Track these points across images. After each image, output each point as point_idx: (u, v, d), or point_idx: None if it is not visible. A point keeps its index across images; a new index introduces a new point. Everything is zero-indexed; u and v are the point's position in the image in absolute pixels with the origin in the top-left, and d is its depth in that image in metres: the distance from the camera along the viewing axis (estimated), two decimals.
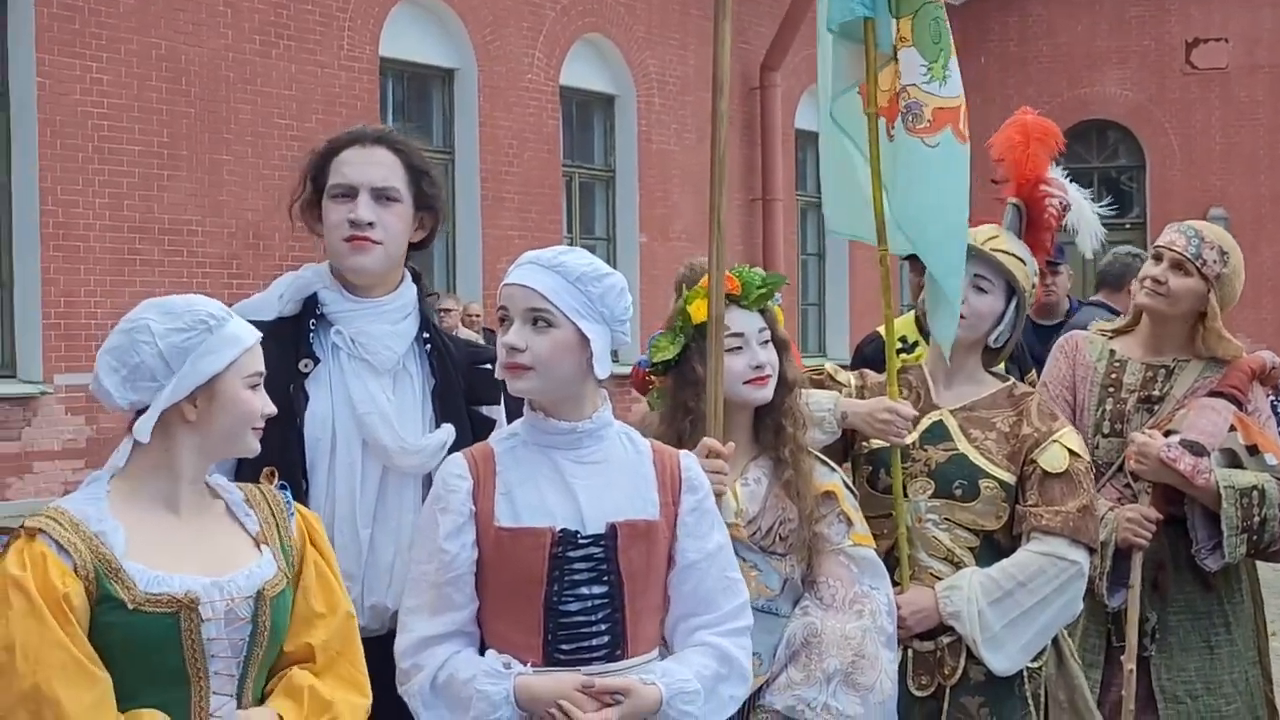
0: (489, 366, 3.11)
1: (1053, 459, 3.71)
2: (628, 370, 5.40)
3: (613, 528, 2.81)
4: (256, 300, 3.06)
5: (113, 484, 2.56)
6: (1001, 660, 3.64)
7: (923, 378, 3.90)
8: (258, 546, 2.62)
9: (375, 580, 3.00)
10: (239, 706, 2.56)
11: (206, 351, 2.54)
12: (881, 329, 5.26)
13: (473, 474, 2.84)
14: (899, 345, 4.33)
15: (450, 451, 3.00)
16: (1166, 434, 4.14)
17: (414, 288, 3.20)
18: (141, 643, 2.45)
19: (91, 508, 2.51)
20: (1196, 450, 4.08)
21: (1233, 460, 4.14)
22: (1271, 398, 4.38)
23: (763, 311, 3.44)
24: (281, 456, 2.82)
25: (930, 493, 3.73)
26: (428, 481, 3.02)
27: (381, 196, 3.07)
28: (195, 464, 2.59)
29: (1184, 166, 20.54)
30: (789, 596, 3.39)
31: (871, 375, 3.91)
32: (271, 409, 2.61)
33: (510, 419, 3.10)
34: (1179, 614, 4.23)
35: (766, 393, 3.40)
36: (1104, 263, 6.87)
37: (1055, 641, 3.82)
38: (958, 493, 3.71)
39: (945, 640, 3.68)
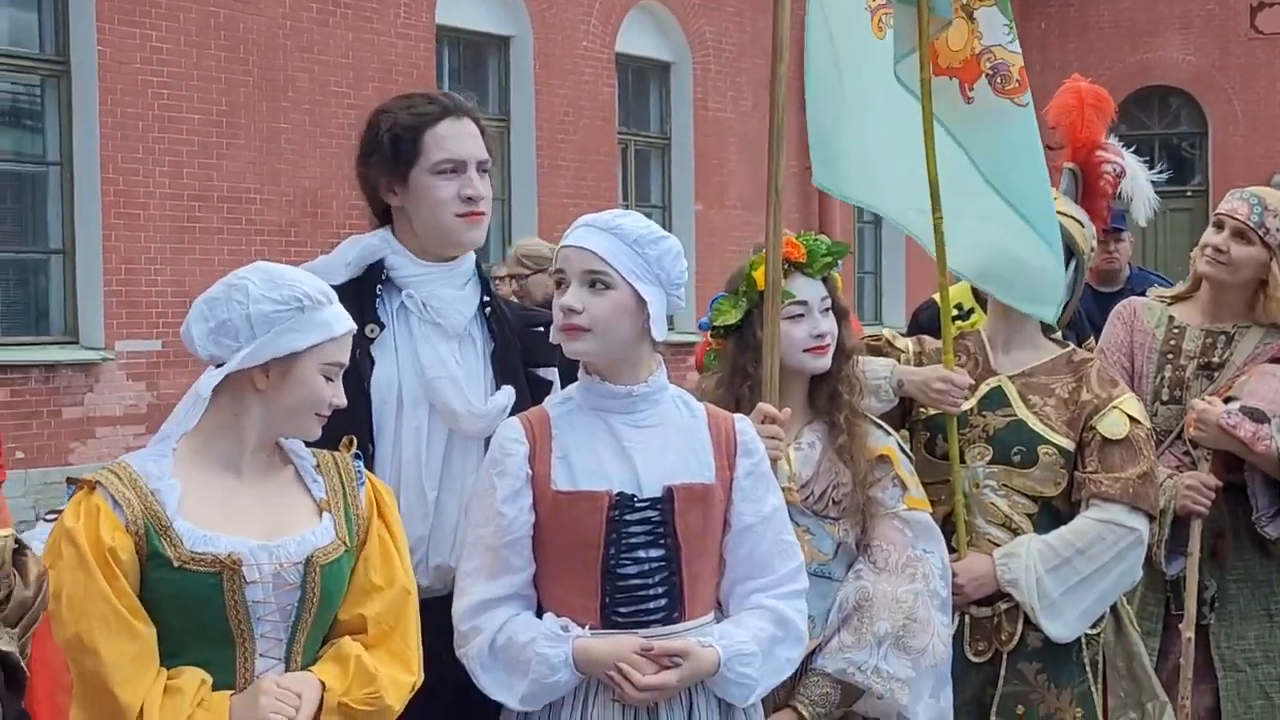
0: (543, 329, 3.14)
1: (1113, 425, 3.69)
2: (682, 338, 5.41)
3: (669, 491, 2.82)
4: (322, 263, 3.07)
5: (181, 442, 2.61)
6: (1059, 627, 3.63)
7: (981, 343, 3.89)
8: (319, 513, 2.63)
9: (440, 542, 3.02)
10: (287, 671, 2.58)
11: (292, 328, 2.57)
12: (937, 296, 5.25)
13: (529, 438, 2.85)
14: (954, 313, 4.31)
15: (510, 414, 3.02)
16: (1226, 400, 4.11)
17: (473, 254, 3.22)
18: (187, 601, 2.50)
19: (154, 465, 2.56)
20: (1256, 417, 4.04)
21: None
22: None
23: (825, 279, 3.43)
24: (349, 421, 2.84)
25: (988, 459, 3.71)
26: (489, 445, 3.03)
27: (482, 169, 3.11)
28: (258, 433, 2.61)
29: (1247, 133, 20.24)
30: (843, 561, 3.39)
31: (930, 341, 3.90)
32: (342, 401, 2.64)
33: (565, 382, 3.12)
34: (1238, 582, 4.20)
35: (825, 361, 3.40)
36: None
37: (1114, 608, 3.81)
38: (1016, 459, 3.70)
39: (1003, 606, 3.68)
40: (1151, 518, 3.72)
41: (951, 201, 3.70)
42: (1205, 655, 4.16)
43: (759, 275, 3.39)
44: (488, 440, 3.03)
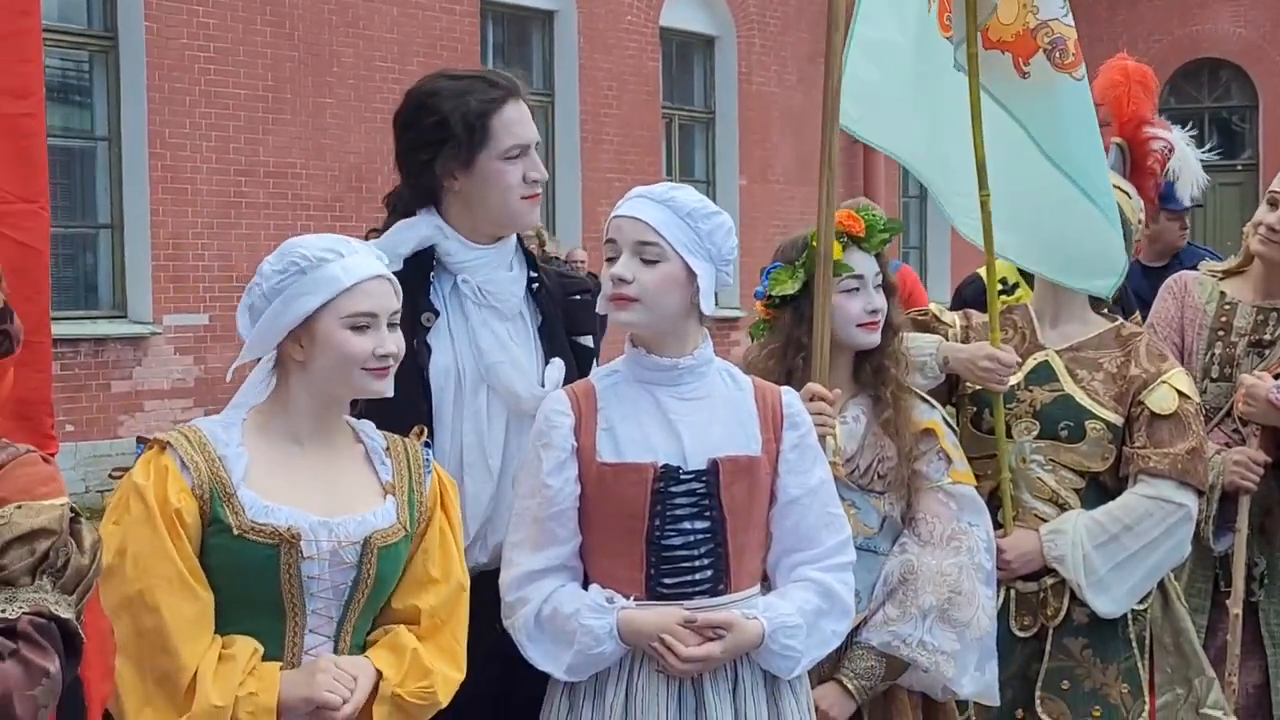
0: (583, 296, 3.14)
1: (1161, 400, 3.66)
2: (726, 313, 5.41)
3: (714, 463, 2.82)
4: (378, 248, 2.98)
5: (250, 414, 2.63)
6: (1107, 603, 3.62)
7: (1028, 318, 3.87)
8: (384, 495, 2.63)
9: (499, 519, 3.00)
10: (335, 650, 2.59)
11: (299, 292, 2.57)
12: (980, 271, 5.22)
13: (574, 410, 2.86)
14: (999, 288, 4.29)
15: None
16: (1277, 377, 4.08)
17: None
18: (242, 569, 2.51)
19: (223, 431, 2.58)
20: None
21: None
22: None
23: (878, 255, 3.43)
24: (408, 410, 2.83)
25: (1035, 434, 3.70)
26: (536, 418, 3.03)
27: (537, 149, 3.10)
28: (308, 403, 2.61)
29: None
30: (888, 534, 3.39)
31: (976, 315, 3.88)
32: (389, 348, 2.60)
33: (596, 344, 3.13)
34: None
35: (875, 337, 3.40)
36: None
37: (1161, 584, 3.79)
38: (1063, 434, 3.68)
39: (1049, 581, 3.67)
40: (1200, 493, 3.70)
41: (1008, 179, 3.67)
42: (1254, 632, 4.13)
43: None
44: None
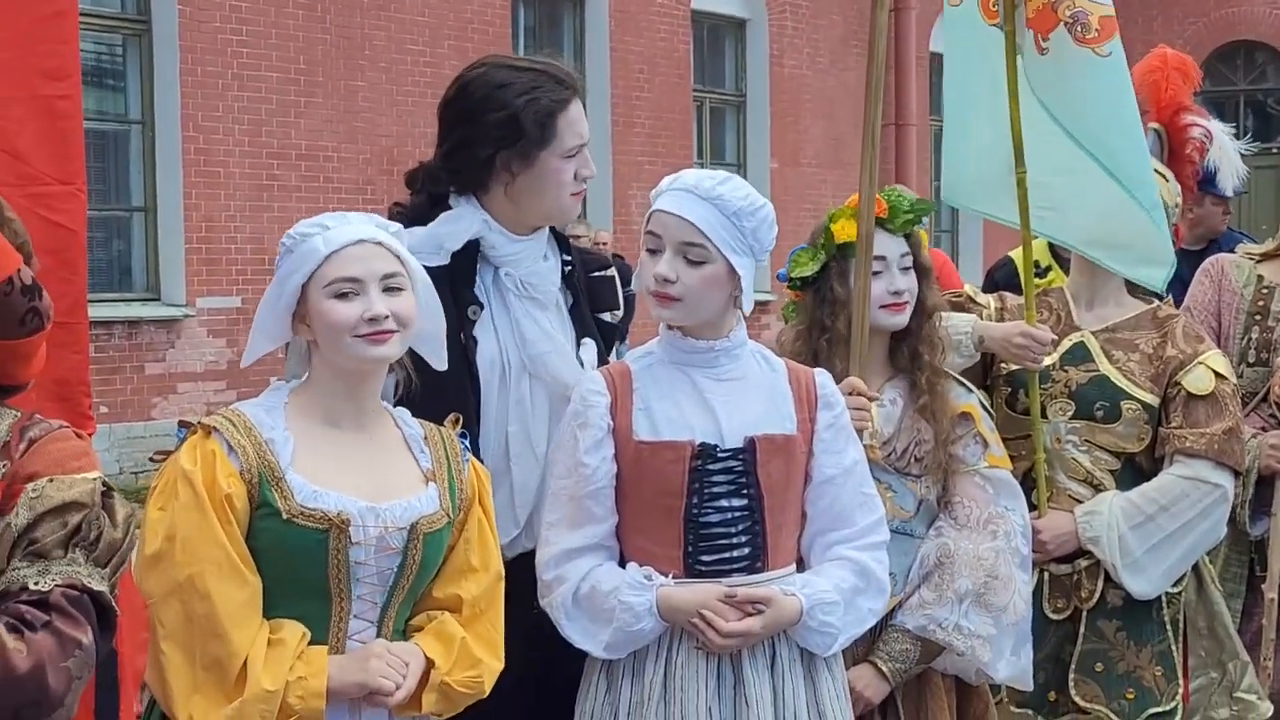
0: (604, 273, 3.14)
1: (1198, 381, 3.65)
2: (758, 297, 5.41)
3: (751, 441, 2.82)
4: (419, 241, 2.92)
5: (291, 396, 2.62)
6: (1142, 584, 3.61)
7: (1064, 300, 3.85)
8: (425, 482, 2.62)
9: (544, 504, 3.01)
10: (378, 636, 2.58)
11: (290, 271, 2.57)
12: (1012, 253, 5.20)
13: (610, 390, 2.86)
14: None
15: None
16: None
17: None
18: (290, 554, 2.49)
19: (267, 415, 2.56)
20: None
21: None
22: None
23: (907, 236, 3.41)
24: (458, 402, 2.83)
25: (1070, 414, 3.69)
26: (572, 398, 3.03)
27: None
28: (333, 384, 2.60)
29: None
30: (924, 518, 3.39)
31: (1011, 298, 3.87)
32: (377, 309, 2.53)
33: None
34: None
35: (901, 319, 3.38)
36: None
37: (1195, 567, 3.78)
38: (1099, 414, 3.67)
39: (1083, 564, 3.66)
40: (1237, 474, 3.69)
41: (1036, 159, 3.65)
42: None
43: (837, 229, 3.37)
44: None
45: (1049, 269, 4.98)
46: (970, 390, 3.50)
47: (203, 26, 11.41)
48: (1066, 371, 3.71)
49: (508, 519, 2.92)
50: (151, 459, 9.89)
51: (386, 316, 2.53)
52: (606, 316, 3.19)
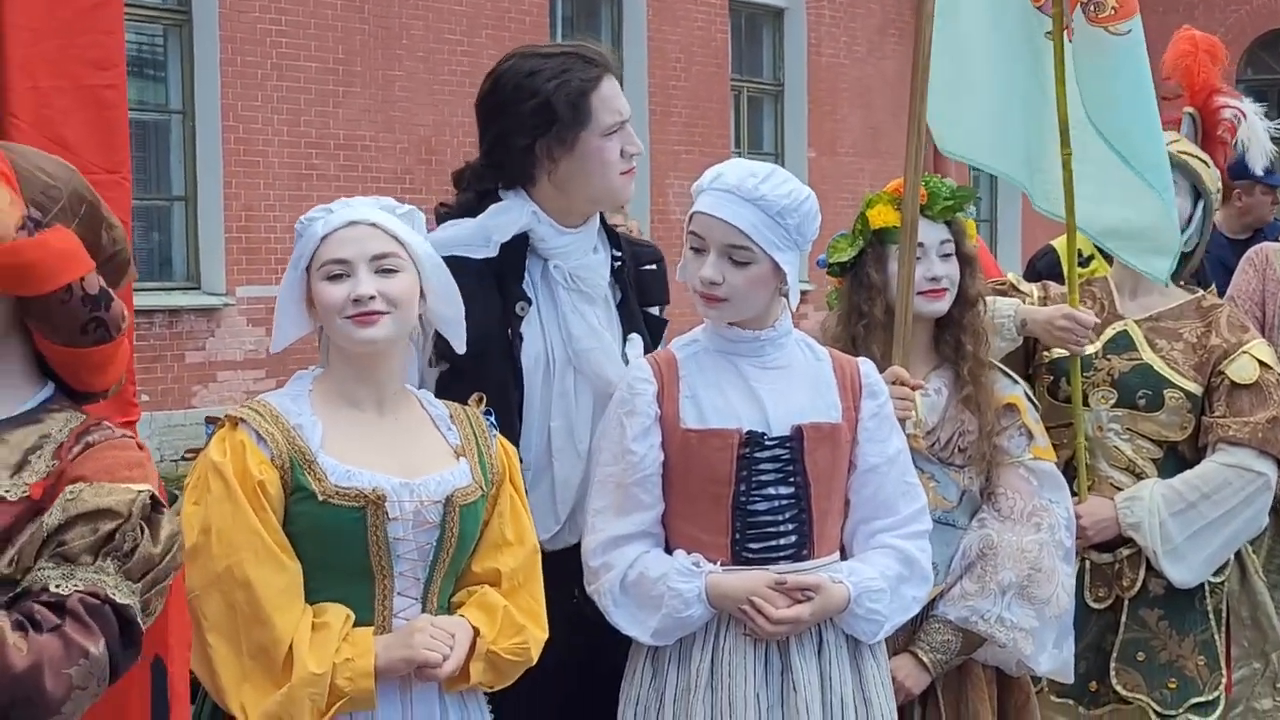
0: (653, 267, 3.13)
1: (1241, 370, 3.63)
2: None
3: (798, 430, 2.83)
4: (467, 235, 2.94)
5: (315, 383, 2.63)
6: (1183, 572, 3.59)
7: (1108, 289, 3.84)
8: (457, 457, 2.63)
9: (588, 495, 2.98)
10: (423, 611, 2.59)
11: (298, 257, 2.60)
12: (1054, 242, 5.17)
13: (657, 377, 2.87)
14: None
15: None
16: None
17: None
18: (329, 534, 2.50)
19: (293, 403, 2.58)
20: None
21: None
22: None
23: (949, 224, 3.40)
24: (500, 398, 2.83)
25: (1113, 402, 3.67)
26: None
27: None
28: (348, 369, 2.60)
29: None
30: (967, 509, 3.38)
31: (1054, 287, 3.85)
32: (363, 289, 2.52)
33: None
34: None
35: (939, 306, 3.37)
36: None
37: (1239, 557, 3.76)
38: (1141, 403, 3.65)
39: (1124, 553, 3.65)
40: None
41: (1052, 142, 3.61)
42: None
43: (873, 214, 3.37)
44: None
45: (1091, 257, 4.95)
46: (1016, 381, 3.49)
47: (242, 17, 11.46)
48: (1109, 360, 3.70)
49: (549, 514, 2.92)
50: (184, 457, 9.96)
51: (373, 297, 2.52)
52: (654, 310, 3.19)
